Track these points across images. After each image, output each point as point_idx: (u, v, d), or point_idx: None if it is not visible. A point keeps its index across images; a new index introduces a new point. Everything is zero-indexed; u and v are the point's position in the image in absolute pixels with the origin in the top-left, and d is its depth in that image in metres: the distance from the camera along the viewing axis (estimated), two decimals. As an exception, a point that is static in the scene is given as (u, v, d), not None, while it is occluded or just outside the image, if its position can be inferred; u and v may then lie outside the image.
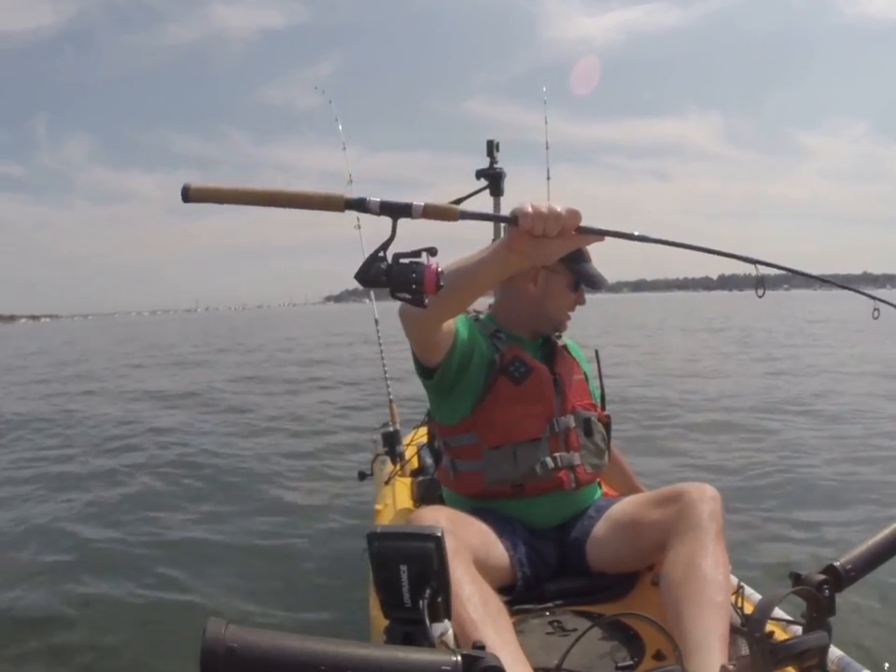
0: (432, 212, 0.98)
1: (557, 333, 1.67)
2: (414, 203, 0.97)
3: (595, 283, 1.60)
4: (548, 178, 2.90)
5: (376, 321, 3.28)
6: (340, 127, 3.41)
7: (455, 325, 1.44)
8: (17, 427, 7.67)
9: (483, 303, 1.79)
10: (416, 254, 0.95)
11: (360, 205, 0.97)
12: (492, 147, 2.33)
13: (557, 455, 1.48)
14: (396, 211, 0.96)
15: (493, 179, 2.35)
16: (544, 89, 3.17)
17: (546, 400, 1.51)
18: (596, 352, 1.74)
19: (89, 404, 9.50)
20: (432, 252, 0.95)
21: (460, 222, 1.00)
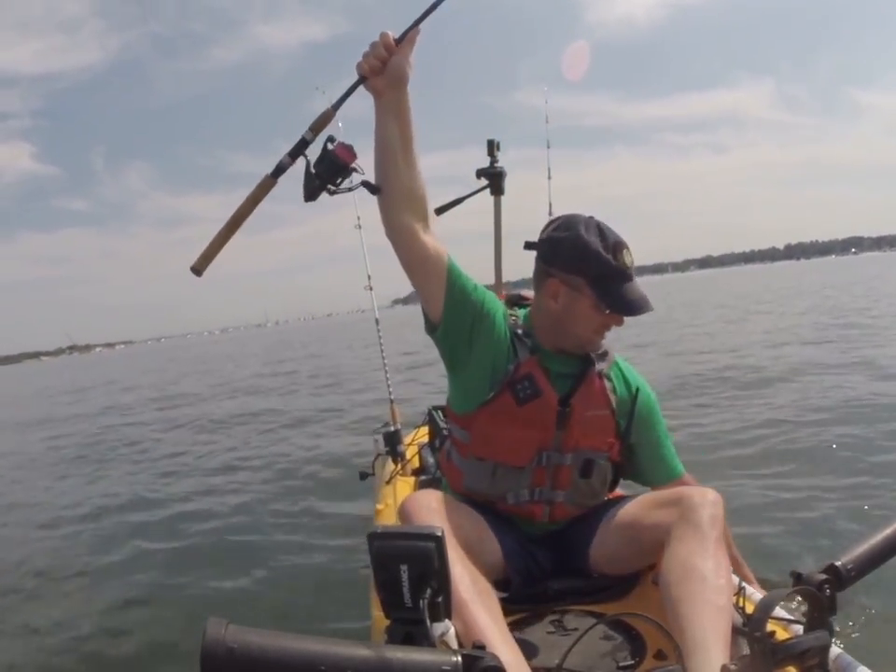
0: (317, 126, 1.22)
1: (590, 353, 1.46)
2: (305, 133, 1.21)
3: (627, 309, 1.37)
4: (549, 178, 2.90)
5: (377, 321, 3.28)
6: (340, 125, 3.41)
7: (448, 262, 1.35)
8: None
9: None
10: (324, 151, 1.21)
11: (280, 169, 1.20)
12: (492, 147, 2.32)
13: (538, 488, 1.41)
14: (301, 147, 1.20)
15: (493, 178, 2.34)
16: (545, 89, 3.18)
17: (543, 430, 1.39)
18: (637, 390, 1.51)
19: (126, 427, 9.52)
20: (331, 139, 1.22)
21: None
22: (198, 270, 1.17)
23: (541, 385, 1.39)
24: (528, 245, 1.48)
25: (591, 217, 1.42)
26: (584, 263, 1.36)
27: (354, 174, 1.25)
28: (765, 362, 7.58)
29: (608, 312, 1.38)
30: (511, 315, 1.47)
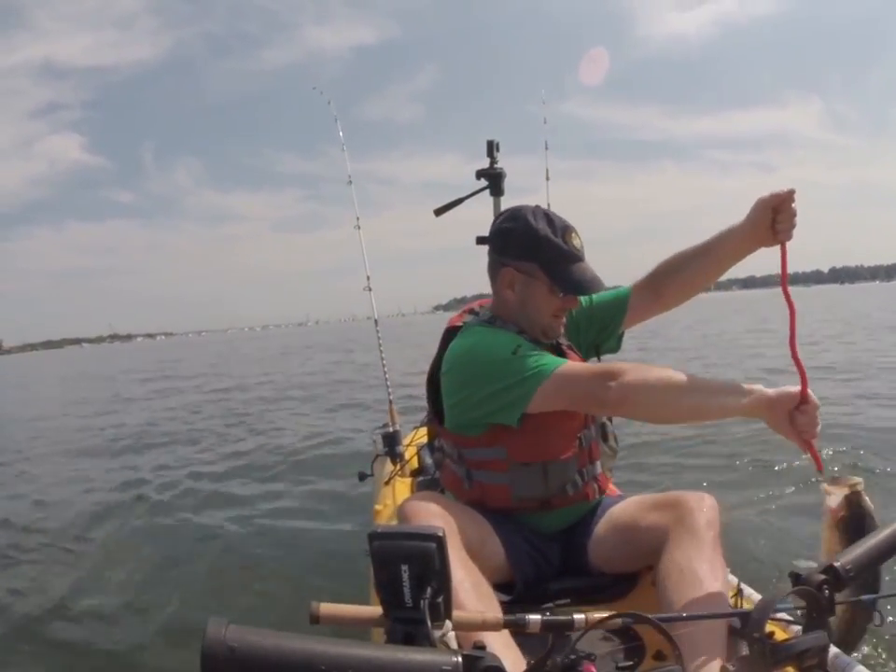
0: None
1: (551, 341, 1.48)
2: (575, 618, 0.82)
3: (580, 289, 1.40)
4: (547, 179, 2.92)
5: (376, 321, 3.28)
6: (340, 130, 3.41)
7: None
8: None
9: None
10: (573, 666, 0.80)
11: None
12: (492, 148, 2.33)
13: (584, 469, 1.45)
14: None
15: (493, 179, 2.35)
16: (543, 91, 3.26)
17: (577, 415, 1.42)
18: (597, 347, 1.60)
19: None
20: (591, 658, 0.82)
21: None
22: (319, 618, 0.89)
23: None
24: (480, 240, 1.48)
25: (537, 206, 1.44)
26: (535, 248, 1.37)
27: None
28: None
29: (562, 295, 1.39)
30: (473, 312, 1.51)
